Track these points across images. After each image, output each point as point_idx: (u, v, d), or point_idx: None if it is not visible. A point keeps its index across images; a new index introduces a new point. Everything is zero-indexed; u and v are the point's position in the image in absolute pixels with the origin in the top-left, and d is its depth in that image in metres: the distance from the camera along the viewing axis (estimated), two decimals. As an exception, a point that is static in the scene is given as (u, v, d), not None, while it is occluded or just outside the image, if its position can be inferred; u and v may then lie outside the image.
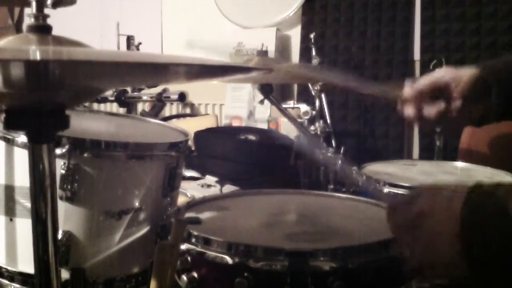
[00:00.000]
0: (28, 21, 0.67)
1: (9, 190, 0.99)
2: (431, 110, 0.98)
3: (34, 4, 0.67)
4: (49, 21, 0.68)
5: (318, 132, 1.87)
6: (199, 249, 0.88)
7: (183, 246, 0.89)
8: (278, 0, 2.87)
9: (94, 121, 1.31)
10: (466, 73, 0.96)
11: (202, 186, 1.78)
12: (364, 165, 1.49)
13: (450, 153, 2.07)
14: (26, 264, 0.99)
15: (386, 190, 1.28)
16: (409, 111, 1.01)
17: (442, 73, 0.98)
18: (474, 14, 2.40)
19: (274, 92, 1.63)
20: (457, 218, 0.67)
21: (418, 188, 0.78)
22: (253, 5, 2.96)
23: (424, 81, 0.99)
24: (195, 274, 0.87)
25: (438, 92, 0.97)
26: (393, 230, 0.76)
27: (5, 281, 1.01)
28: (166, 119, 2.72)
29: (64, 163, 0.96)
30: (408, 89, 1.00)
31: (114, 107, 2.89)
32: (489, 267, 0.64)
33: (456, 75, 0.96)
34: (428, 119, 0.99)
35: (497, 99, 0.94)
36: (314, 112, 1.97)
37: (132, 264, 1.05)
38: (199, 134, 2.06)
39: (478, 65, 0.98)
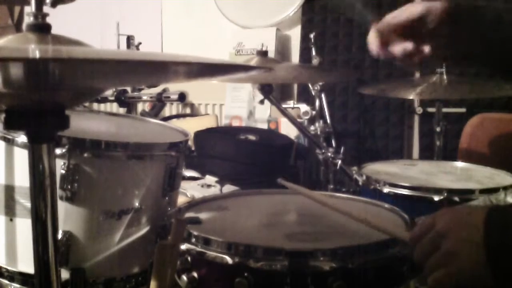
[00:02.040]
0: (27, 20, 0.67)
1: (9, 190, 0.99)
2: (398, 47, 0.90)
3: (33, 2, 0.67)
4: (49, 20, 0.68)
5: (318, 132, 1.87)
6: (199, 249, 0.88)
7: (183, 246, 0.89)
8: (278, 0, 2.87)
9: (94, 121, 1.31)
10: (438, 6, 0.85)
11: (202, 186, 1.78)
12: (364, 165, 1.49)
13: (450, 153, 2.07)
14: (26, 264, 0.99)
15: (386, 190, 1.28)
16: (375, 45, 0.91)
17: (415, 8, 0.87)
18: (474, 14, 2.39)
19: (274, 92, 1.63)
20: (479, 231, 0.67)
21: (433, 214, 0.76)
22: (253, 5, 2.96)
23: (395, 16, 0.88)
24: (195, 274, 0.87)
25: (409, 28, 0.88)
26: (419, 260, 0.74)
27: (5, 281, 1.01)
28: (166, 119, 2.72)
29: (64, 163, 0.96)
30: (380, 23, 0.90)
31: (114, 107, 2.89)
32: None
33: (429, 10, 0.85)
34: (394, 56, 0.91)
35: (467, 37, 0.86)
36: (314, 112, 1.97)
37: (132, 264, 1.05)
38: (199, 134, 2.06)
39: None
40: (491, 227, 0.67)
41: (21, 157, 0.98)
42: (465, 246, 0.68)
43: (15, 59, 0.50)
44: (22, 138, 0.97)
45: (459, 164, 1.60)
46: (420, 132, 2.55)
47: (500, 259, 0.65)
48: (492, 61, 0.91)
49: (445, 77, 1.71)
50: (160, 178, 1.07)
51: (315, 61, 1.99)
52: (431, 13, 0.85)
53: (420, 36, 0.88)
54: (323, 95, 1.98)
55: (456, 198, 1.20)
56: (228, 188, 1.79)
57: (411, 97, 1.86)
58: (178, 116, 3.05)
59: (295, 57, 2.90)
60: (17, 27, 3.54)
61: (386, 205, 1.11)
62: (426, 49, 0.89)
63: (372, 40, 0.91)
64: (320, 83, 1.96)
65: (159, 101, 1.81)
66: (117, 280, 1.03)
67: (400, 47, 0.89)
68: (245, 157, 1.95)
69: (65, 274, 0.97)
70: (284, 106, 1.86)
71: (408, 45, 0.89)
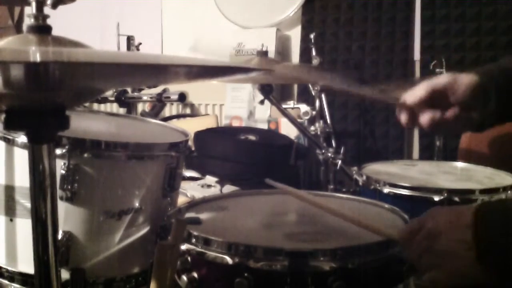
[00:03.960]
0: (28, 21, 0.67)
1: (9, 190, 0.99)
2: (426, 118, 0.97)
3: (33, 4, 0.67)
4: (49, 21, 0.68)
5: (318, 132, 1.87)
6: (199, 249, 0.88)
7: (183, 246, 0.89)
8: (278, 0, 2.87)
9: (94, 121, 1.31)
10: (463, 80, 0.94)
11: (202, 186, 1.78)
12: (364, 165, 1.49)
13: (450, 153, 2.07)
14: (26, 264, 0.99)
15: (386, 190, 1.28)
16: (404, 117, 1.00)
17: (440, 80, 0.96)
18: (474, 14, 2.40)
19: (274, 92, 1.63)
20: (469, 230, 0.68)
21: (424, 213, 0.78)
22: (253, 5, 2.96)
23: (422, 88, 0.97)
24: (195, 274, 0.87)
25: (436, 99, 0.96)
26: (411, 259, 0.76)
27: (5, 281, 1.01)
28: (166, 119, 2.72)
29: (64, 163, 0.96)
30: (407, 97, 0.99)
31: (114, 107, 2.89)
32: (506, 272, 0.64)
33: (454, 82, 0.95)
34: (423, 127, 0.99)
35: (495, 106, 0.93)
36: (314, 112, 1.98)
37: (132, 264, 1.05)
38: (199, 134, 2.06)
39: (475, 71, 0.96)
40: (480, 225, 0.68)
41: (21, 157, 0.98)
42: (457, 245, 0.69)
43: (16, 62, 0.50)
44: (22, 138, 0.97)
45: (459, 164, 1.60)
46: (420, 132, 2.55)
47: (490, 257, 0.66)
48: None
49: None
50: (160, 178, 1.07)
51: (315, 61, 2.00)
52: (457, 86, 0.90)
53: (448, 105, 0.94)
54: (323, 95, 1.99)
55: (456, 198, 1.20)
56: (228, 188, 1.79)
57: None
58: (178, 116, 3.05)
59: (295, 57, 2.90)
60: (17, 28, 3.54)
61: (386, 205, 1.11)
62: (454, 112, 0.94)
63: (401, 116, 1.00)
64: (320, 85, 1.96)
65: (159, 101, 1.81)
66: (117, 280, 1.03)
67: (428, 117, 0.95)
68: (245, 157, 1.95)
69: (65, 274, 0.97)
70: (284, 106, 1.87)
71: (436, 114, 0.95)
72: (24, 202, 0.98)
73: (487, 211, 0.70)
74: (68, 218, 0.98)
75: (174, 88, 1.84)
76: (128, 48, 2.28)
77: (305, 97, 2.56)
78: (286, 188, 1.08)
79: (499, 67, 0.97)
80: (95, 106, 2.73)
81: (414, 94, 0.97)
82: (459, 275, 0.69)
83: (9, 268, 1.01)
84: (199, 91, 2.91)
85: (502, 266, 0.65)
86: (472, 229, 0.68)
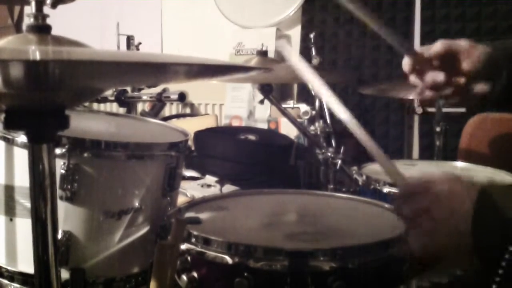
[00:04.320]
0: (27, 20, 0.67)
1: (9, 190, 0.99)
2: (431, 76, 0.94)
3: (33, 3, 0.67)
4: (49, 21, 0.68)
5: (318, 132, 1.87)
6: (199, 249, 0.88)
7: (183, 246, 0.89)
8: (278, 0, 2.87)
9: (94, 121, 1.30)
10: (480, 47, 0.93)
11: (202, 186, 1.78)
12: (364, 165, 1.49)
13: (450, 153, 2.07)
14: (26, 264, 0.99)
15: (386, 190, 1.28)
16: (409, 67, 0.97)
17: (459, 41, 0.94)
18: (474, 14, 2.40)
19: (274, 92, 1.63)
20: (471, 201, 0.69)
21: (429, 175, 0.77)
22: (253, 5, 2.96)
23: (439, 44, 0.95)
24: (195, 274, 0.87)
25: (448, 60, 0.94)
26: (404, 212, 0.76)
27: (5, 281, 1.01)
28: (166, 119, 2.72)
29: (64, 163, 0.96)
30: (423, 49, 0.97)
31: (114, 107, 2.89)
32: (500, 258, 0.65)
33: (471, 47, 0.93)
34: (426, 85, 0.96)
35: (506, 80, 0.91)
36: (314, 112, 1.97)
37: (132, 264, 1.05)
38: (199, 134, 2.06)
39: (492, 43, 0.94)
40: (481, 205, 0.69)
41: (21, 157, 0.98)
42: (455, 218, 0.69)
43: (16, 60, 0.50)
44: (22, 138, 0.97)
45: (459, 164, 1.60)
46: (420, 132, 2.55)
47: (483, 235, 0.67)
48: None
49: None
50: (160, 178, 1.07)
51: (315, 61, 2.00)
52: (471, 54, 0.89)
53: (456, 72, 0.92)
54: (323, 95, 1.98)
55: (456, 198, 1.20)
56: (228, 188, 1.79)
57: (411, 97, 1.86)
58: (178, 116, 3.05)
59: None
60: (17, 27, 3.54)
61: (386, 205, 1.11)
62: (460, 81, 0.92)
63: (406, 64, 0.96)
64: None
65: (159, 101, 1.81)
66: (117, 280, 1.03)
67: (430, 76, 0.93)
68: (245, 157, 1.95)
69: (65, 274, 0.97)
70: (284, 106, 1.86)
71: (440, 75, 0.93)
72: (24, 202, 0.98)
73: (492, 193, 0.70)
74: (68, 218, 0.98)
75: (174, 87, 1.83)
76: (128, 48, 2.28)
77: (305, 96, 2.56)
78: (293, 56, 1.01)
79: None
80: (95, 106, 2.73)
81: (431, 47, 0.95)
82: (450, 246, 0.69)
83: (9, 268, 1.01)
84: (199, 90, 2.91)
85: (496, 252, 0.65)
86: (473, 207, 0.68)
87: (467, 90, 0.94)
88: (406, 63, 0.96)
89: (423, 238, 0.72)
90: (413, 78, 0.97)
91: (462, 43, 0.94)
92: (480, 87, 0.94)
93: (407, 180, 0.81)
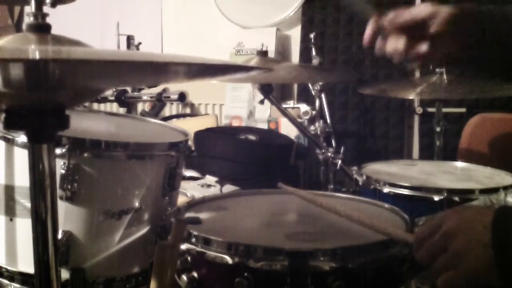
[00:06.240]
0: (27, 20, 0.67)
1: (9, 190, 0.99)
2: (390, 44, 0.89)
3: (33, 3, 0.67)
4: (49, 20, 0.68)
5: (318, 132, 1.87)
6: (199, 249, 0.88)
7: (183, 246, 0.89)
8: (278, 0, 2.87)
9: (94, 121, 1.31)
10: (445, 9, 0.85)
11: (202, 186, 1.78)
12: (364, 165, 1.49)
13: (450, 153, 2.07)
14: (26, 264, 0.99)
15: (386, 190, 1.28)
16: (368, 36, 0.91)
17: (421, 8, 0.87)
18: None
19: (274, 92, 1.63)
20: (487, 231, 0.67)
21: (440, 213, 0.76)
22: (253, 5, 2.96)
23: (402, 16, 0.88)
24: (195, 274, 0.87)
25: (413, 28, 0.87)
26: (424, 260, 0.74)
27: (5, 281, 1.01)
28: (166, 119, 2.72)
29: (64, 163, 0.96)
30: (388, 20, 0.89)
31: (114, 107, 2.89)
32: None
33: (435, 10, 0.85)
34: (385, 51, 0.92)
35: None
36: (314, 112, 1.97)
37: (132, 264, 1.05)
38: (199, 134, 2.06)
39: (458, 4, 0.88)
40: (499, 227, 0.67)
41: (21, 157, 0.98)
42: (474, 246, 0.67)
43: (15, 60, 0.50)
44: (22, 138, 0.97)
45: (459, 164, 1.60)
46: (420, 132, 2.55)
47: (507, 260, 0.65)
48: (493, 64, 0.91)
49: (445, 77, 1.71)
50: (160, 178, 1.07)
51: (315, 61, 1.99)
52: (438, 16, 0.85)
53: (420, 37, 0.88)
54: (323, 95, 1.98)
55: (456, 198, 1.20)
56: (228, 188, 1.79)
57: (411, 97, 1.86)
58: (178, 116, 3.05)
59: (295, 57, 2.89)
60: (17, 27, 3.54)
61: (386, 205, 1.11)
62: (423, 48, 0.88)
63: (368, 31, 0.91)
64: (320, 83, 1.96)
65: (159, 101, 1.81)
66: (117, 280, 1.03)
67: (392, 44, 0.89)
68: (245, 157, 1.95)
69: (65, 274, 0.97)
70: (284, 106, 1.86)
71: (400, 43, 0.88)
72: (24, 201, 0.98)
73: (506, 212, 0.70)
74: (68, 218, 0.98)
75: (174, 87, 1.83)
76: (128, 48, 2.28)
77: (305, 97, 2.56)
78: (299, 192, 1.07)
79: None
80: (95, 106, 2.73)
81: (390, 17, 0.88)
82: (475, 276, 0.67)
83: (9, 268, 1.01)
84: (199, 90, 2.91)
85: None
86: (491, 231, 0.67)
87: (433, 54, 0.88)
88: (370, 30, 0.91)
89: (449, 274, 0.70)
90: (369, 43, 0.93)
91: (424, 10, 0.86)
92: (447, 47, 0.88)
93: (416, 233, 0.79)
